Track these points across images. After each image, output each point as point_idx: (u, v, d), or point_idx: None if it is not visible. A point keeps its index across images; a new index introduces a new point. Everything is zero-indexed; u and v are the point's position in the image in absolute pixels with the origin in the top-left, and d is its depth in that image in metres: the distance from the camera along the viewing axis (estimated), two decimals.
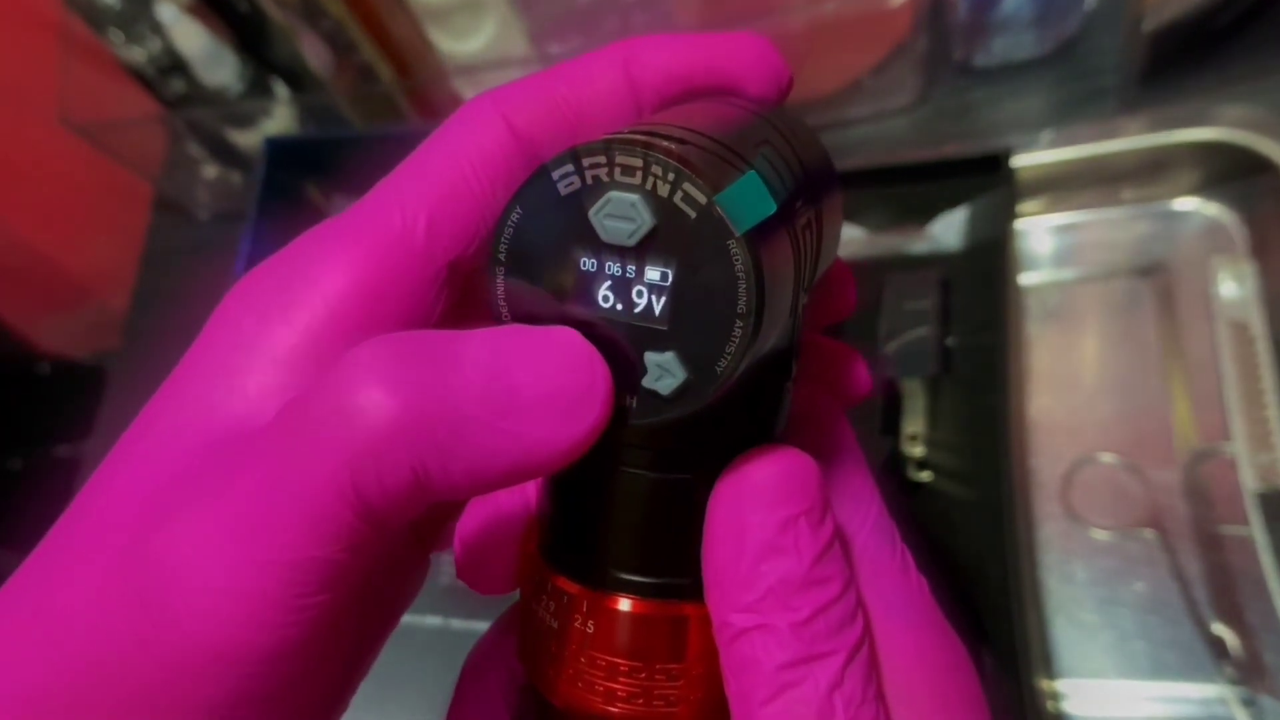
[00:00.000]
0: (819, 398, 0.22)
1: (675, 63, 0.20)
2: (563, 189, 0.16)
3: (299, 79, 0.67)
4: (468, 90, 0.63)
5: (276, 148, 0.65)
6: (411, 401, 0.15)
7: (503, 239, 0.17)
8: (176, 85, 0.67)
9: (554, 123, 0.19)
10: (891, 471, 0.51)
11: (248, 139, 0.70)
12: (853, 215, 0.57)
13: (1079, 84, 0.57)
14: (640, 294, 0.16)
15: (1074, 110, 0.56)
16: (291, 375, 0.17)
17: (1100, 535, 0.48)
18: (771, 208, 0.15)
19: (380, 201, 0.18)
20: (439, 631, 0.54)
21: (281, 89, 0.69)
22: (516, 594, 0.21)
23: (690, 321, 0.16)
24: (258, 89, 0.68)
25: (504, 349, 0.16)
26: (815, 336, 0.24)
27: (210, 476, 0.16)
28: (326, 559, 0.15)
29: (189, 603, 0.15)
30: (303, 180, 0.68)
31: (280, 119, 0.69)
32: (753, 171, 0.15)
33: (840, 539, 0.19)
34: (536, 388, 0.16)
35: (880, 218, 0.57)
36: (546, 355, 0.16)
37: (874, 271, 0.55)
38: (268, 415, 0.16)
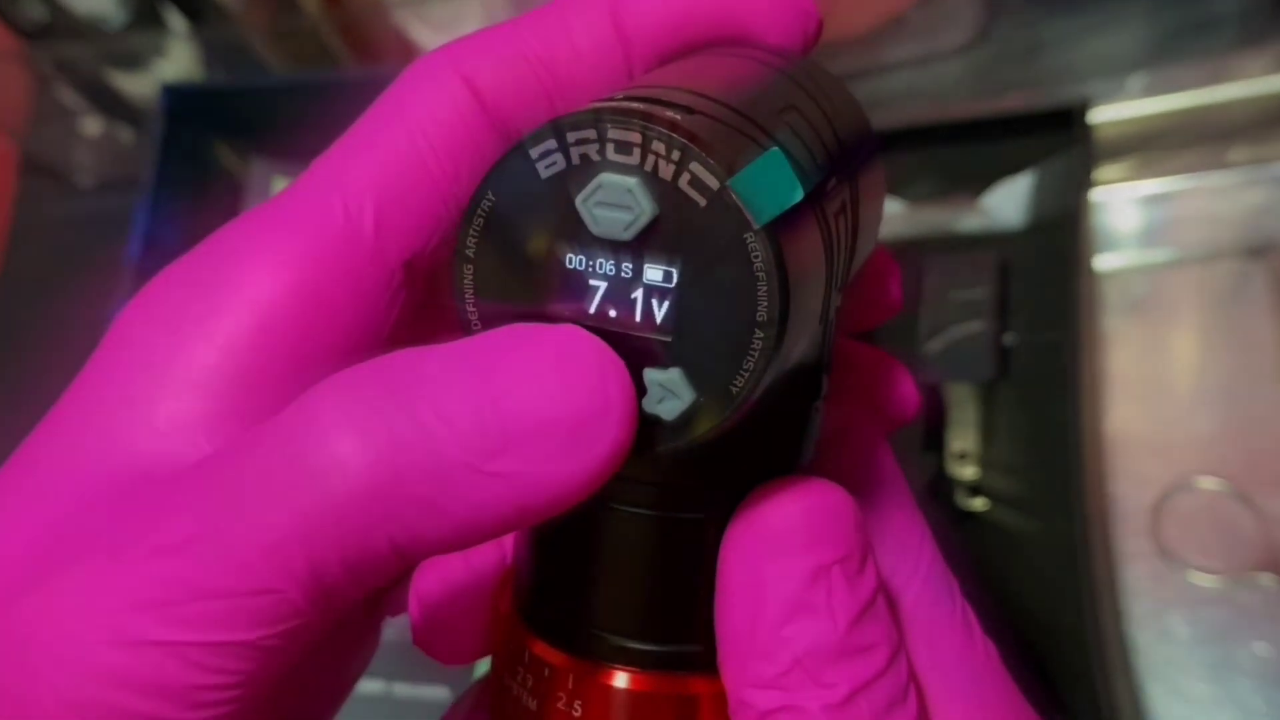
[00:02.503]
0: (855, 419, 0.22)
1: (674, 7, 0.20)
2: (544, 170, 0.16)
3: (198, 9, 0.66)
4: (414, 26, 0.62)
5: (176, 97, 0.62)
6: (385, 456, 0.15)
7: (471, 232, 0.16)
8: (34, 11, 0.64)
9: (527, 87, 0.19)
10: (936, 497, 0.51)
11: (138, 85, 0.68)
12: (890, 185, 0.56)
13: (1186, 10, 0.55)
14: (639, 298, 0.16)
15: (1175, 48, 0.55)
16: (212, 402, 0.17)
17: (1204, 581, 0.47)
18: (799, 193, 0.15)
19: (317, 186, 0.18)
20: (380, 700, 0.51)
21: (177, 21, 0.67)
22: (486, 662, 0.21)
23: (699, 332, 0.16)
24: (145, 20, 0.66)
25: (492, 367, 0.15)
26: (850, 344, 0.24)
27: (106, 529, 0.15)
28: (254, 644, 0.15)
29: (57, 689, 0.14)
30: (211, 138, 0.65)
31: (178, 60, 0.67)
32: (776, 148, 0.15)
33: (885, 594, 0.19)
34: (535, 413, 0.15)
35: (923, 187, 0.56)
36: (545, 367, 0.15)
37: (915, 254, 0.54)
38: (183, 453, 0.16)
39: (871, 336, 0.27)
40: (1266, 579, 0.45)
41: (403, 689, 0.51)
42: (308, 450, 0.15)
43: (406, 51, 0.60)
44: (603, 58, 0.19)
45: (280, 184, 0.61)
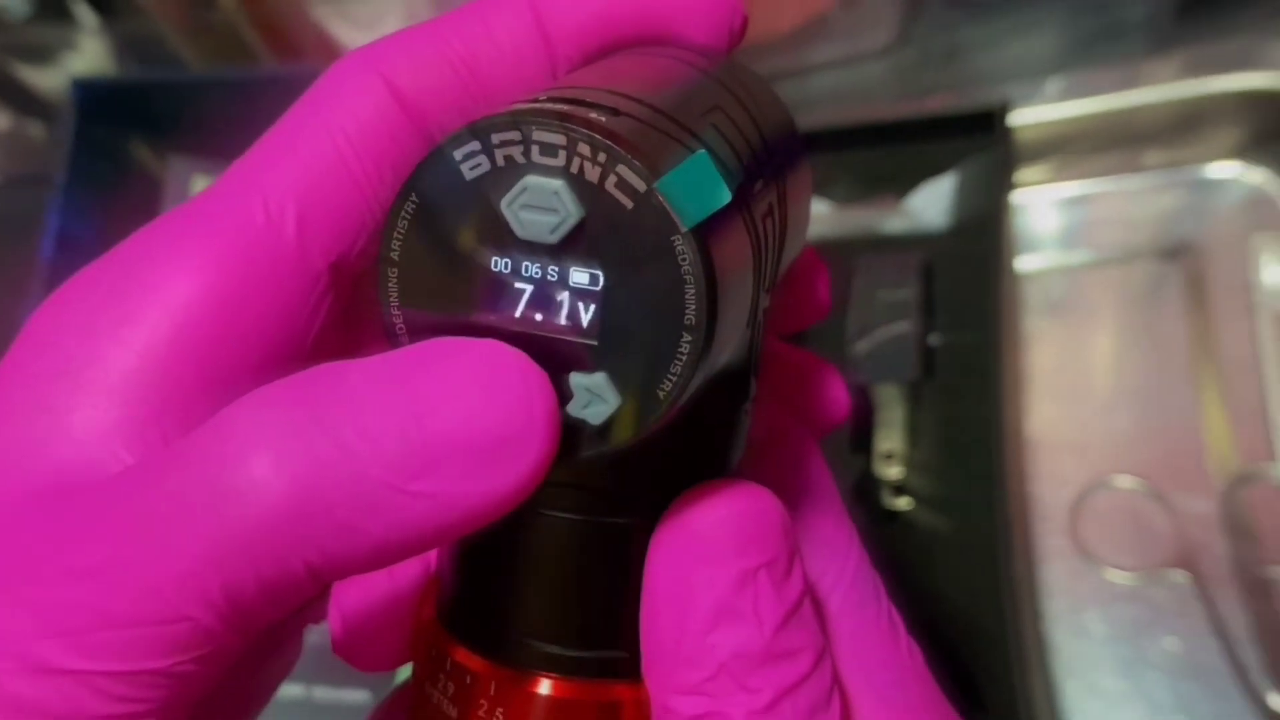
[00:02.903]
0: (783, 421, 0.22)
1: (596, 5, 0.20)
2: (467, 172, 0.16)
3: (108, 2, 0.64)
4: (334, 23, 0.61)
5: (88, 92, 0.60)
6: (303, 478, 0.14)
7: (395, 235, 0.16)
8: None
9: (449, 88, 0.19)
10: (862, 498, 0.51)
11: (47, 79, 0.67)
12: (816, 186, 0.55)
13: (1097, 17, 0.56)
14: (565, 301, 0.16)
15: (1089, 52, 0.56)
16: (130, 409, 0.16)
17: (1119, 578, 0.47)
18: (726, 196, 0.15)
19: (237, 188, 0.18)
20: (300, 704, 0.50)
21: (86, 13, 0.66)
22: (408, 667, 0.21)
23: (626, 335, 0.16)
24: (51, 12, 0.64)
25: (412, 384, 0.15)
26: (779, 346, 0.24)
27: (18, 546, 0.15)
28: (167, 672, 0.14)
29: None
30: (126, 134, 0.63)
31: (89, 54, 0.66)
32: (703, 151, 0.15)
33: (811, 598, 0.19)
34: (459, 432, 0.15)
35: (848, 189, 0.56)
36: (468, 385, 0.15)
37: (841, 255, 0.54)
38: (101, 462, 0.16)
39: (800, 337, 0.27)
40: (1178, 575, 0.46)
41: (323, 693, 0.50)
42: (223, 473, 0.14)
43: (326, 48, 0.59)
44: (526, 57, 0.19)
45: (200, 181, 0.60)
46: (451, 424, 0.15)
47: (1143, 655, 0.45)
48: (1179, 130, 0.52)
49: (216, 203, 0.18)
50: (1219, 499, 0.47)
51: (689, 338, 0.15)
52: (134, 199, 0.61)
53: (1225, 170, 0.53)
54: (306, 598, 0.15)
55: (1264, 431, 0.47)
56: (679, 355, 0.15)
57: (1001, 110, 0.51)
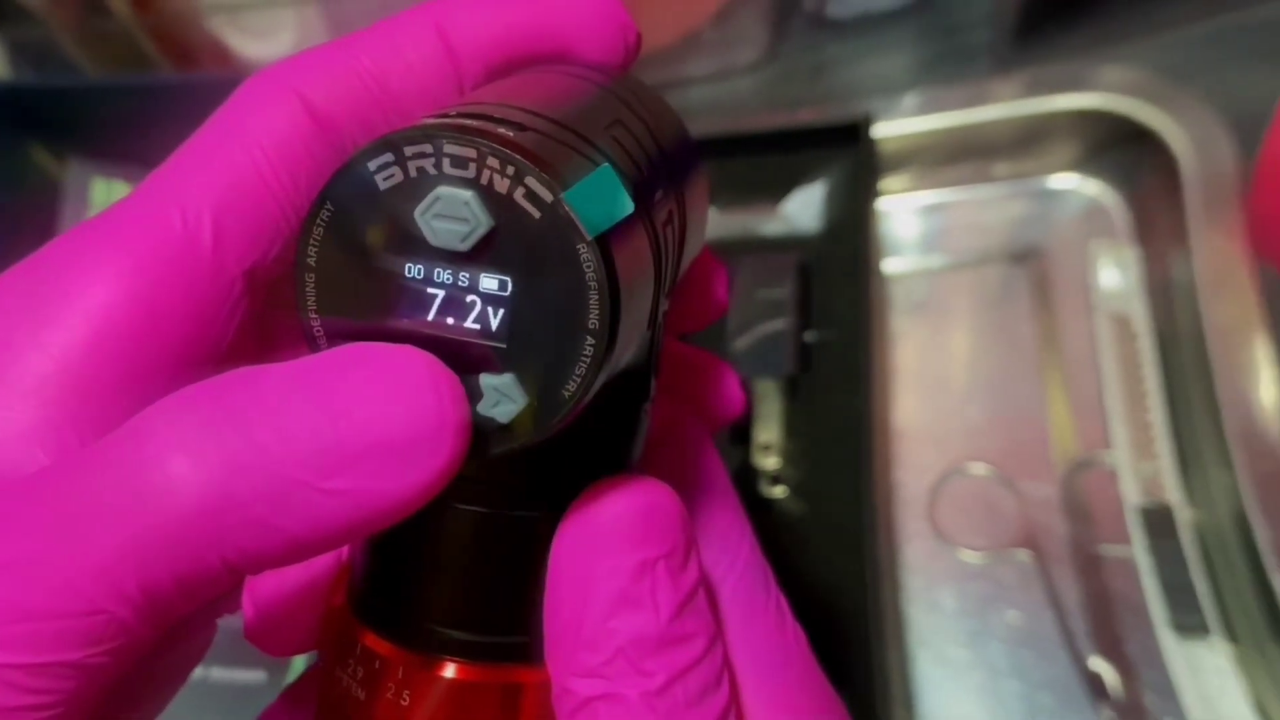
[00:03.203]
0: (682, 418, 0.22)
1: (498, 23, 0.20)
2: (381, 183, 0.16)
3: (0, 7, 0.61)
4: (229, 33, 0.59)
5: None
6: (219, 478, 0.14)
7: (310, 241, 0.16)
8: None
9: (360, 102, 0.19)
10: (741, 488, 0.50)
11: None
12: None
13: (945, 40, 0.58)
14: (475, 306, 0.16)
15: (941, 70, 0.57)
16: (47, 411, 0.16)
17: (970, 557, 0.48)
18: (629, 206, 0.15)
19: (154, 198, 0.18)
20: (196, 685, 0.49)
21: None
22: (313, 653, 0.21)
23: (532, 338, 0.16)
24: None
25: (328, 388, 0.15)
26: (677, 346, 0.24)
27: None
28: (79, 664, 0.14)
29: None
30: (24, 140, 0.61)
31: None
32: (607, 164, 0.15)
33: (706, 586, 0.19)
34: (373, 433, 0.15)
35: (727, 194, 0.57)
36: (382, 388, 0.15)
37: (722, 256, 0.53)
38: (18, 463, 0.16)
39: (689, 337, 0.29)
40: (1022, 554, 0.47)
41: (219, 673, 0.49)
42: (140, 471, 0.14)
43: (222, 58, 0.58)
44: (434, 73, 0.19)
45: (99, 185, 0.59)
46: (365, 425, 0.15)
47: (987, 627, 0.46)
48: (1023, 144, 0.54)
49: (133, 211, 0.18)
50: (1059, 484, 0.48)
51: (592, 341, 0.16)
52: (33, 202, 0.60)
53: (1065, 182, 0.55)
54: (222, 591, 0.15)
55: (1100, 422, 0.48)
56: (582, 358, 0.16)
57: (865, 122, 0.52)
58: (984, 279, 0.54)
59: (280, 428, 0.15)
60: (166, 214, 0.17)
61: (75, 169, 0.62)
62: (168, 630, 0.15)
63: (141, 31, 0.59)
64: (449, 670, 0.19)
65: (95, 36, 0.60)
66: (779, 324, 0.51)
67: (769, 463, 0.50)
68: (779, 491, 0.50)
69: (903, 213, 0.57)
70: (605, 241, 0.15)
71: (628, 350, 0.17)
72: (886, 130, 0.54)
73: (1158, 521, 0.45)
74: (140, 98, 0.58)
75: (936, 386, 0.53)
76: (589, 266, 0.15)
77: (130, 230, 0.17)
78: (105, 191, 0.59)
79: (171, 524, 0.14)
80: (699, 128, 0.54)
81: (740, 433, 0.51)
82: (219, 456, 0.14)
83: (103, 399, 0.17)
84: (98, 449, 0.15)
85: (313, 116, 0.18)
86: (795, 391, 0.51)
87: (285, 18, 0.54)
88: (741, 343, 0.51)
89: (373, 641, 0.19)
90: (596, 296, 0.15)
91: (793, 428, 0.51)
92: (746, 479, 0.51)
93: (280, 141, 0.18)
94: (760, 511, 0.50)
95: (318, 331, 0.17)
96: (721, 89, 0.60)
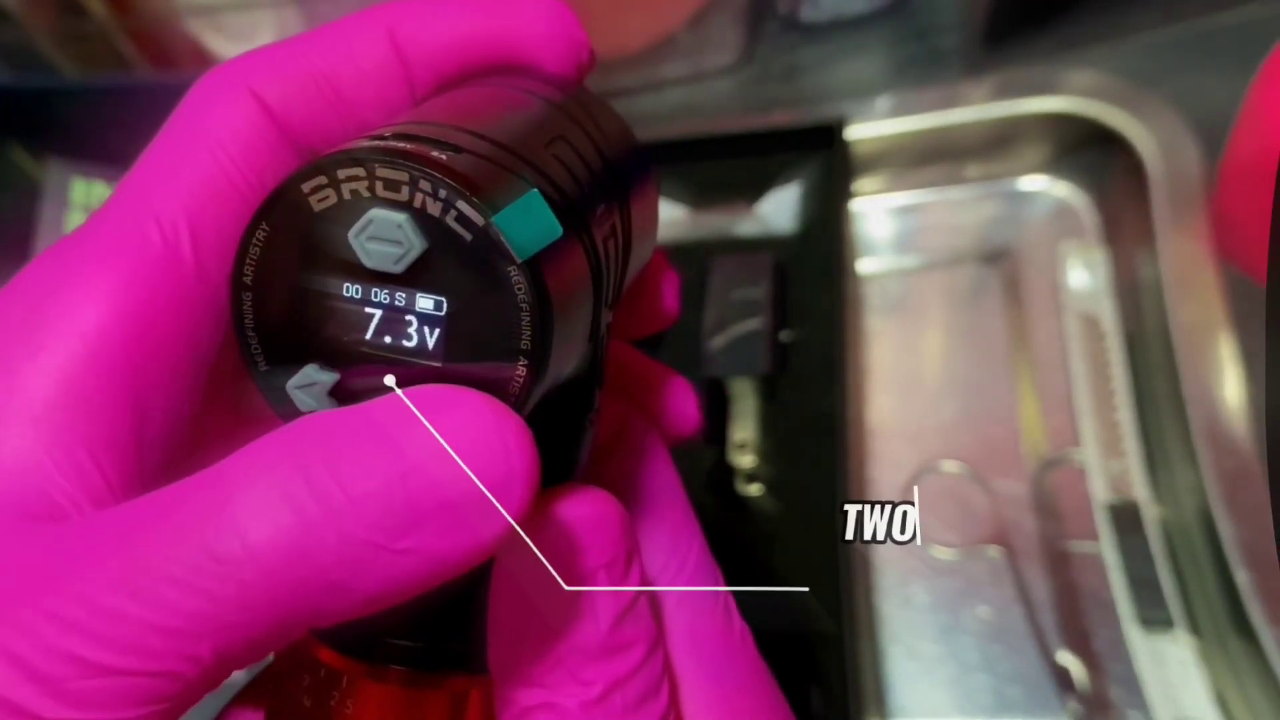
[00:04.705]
0: (633, 423, 0.22)
1: (450, 32, 0.20)
2: (315, 205, 0.16)
3: None
4: (208, 35, 0.59)
5: None
6: (296, 545, 0.14)
7: (247, 260, 0.16)
8: None
9: (313, 103, 0.19)
10: (717, 486, 0.51)
11: None
12: (674, 191, 0.57)
13: (917, 44, 0.58)
14: (412, 326, 0.16)
15: (912, 74, 0.57)
16: (58, 434, 0.16)
17: (943, 554, 0.49)
18: (558, 230, 0.15)
19: (128, 211, 0.18)
20: None
21: None
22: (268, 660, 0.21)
23: (468, 358, 0.16)
24: None
25: (400, 442, 0.15)
26: (637, 359, 0.24)
27: None
28: (140, 718, 0.14)
29: None
30: (5, 140, 0.63)
31: None
32: (534, 190, 0.15)
33: (649, 586, 0.19)
34: (444, 489, 0.15)
35: (703, 195, 0.57)
36: (451, 441, 0.15)
37: (698, 255, 0.54)
38: (42, 490, 0.16)
39: (661, 336, 0.29)
40: (993, 550, 0.48)
41: None
42: (218, 537, 0.14)
43: (201, 59, 0.58)
44: (385, 78, 0.19)
45: (79, 185, 0.59)
46: (434, 482, 0.15)
47: (959, 622, 0.47)
48: (994, 146, 0.54)
49: (111, 228, 0.18)
50: (1029, 481, 0.49)
51: (525, 361, 0.16)
52: (12, 202, 0.60)
53: (1035, 183, 0.55)
54: (285, 645, 0.15)
55: (1070, 420, 0.49)
56: (516, 378, 0.16)
57: (839, 125, 0.52)
58: (956, 279, 0.55)
59: (351, 488, 0.14)
60: (143, 228, 0.17)
61: (54, 169, 0.62)
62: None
63: (120, 33, 0.59)
64: (394, 678, 0.19)
65: (72, 37, 0.60)
66: (754, 323, 0.51)
67: (745, 461, 0.50)
68: (755, 489, 0.50)
69: (876, 214, 0.57)
70: (536, 264, 0.15)
71: (565, 367, 0.17)
72: (860, 132, 0.54)
73: (1125, 518, 0.46)
74: (119, 99, 0.58)
75: (910, 385, 0.53)
76: (520, 289, 0.15)
77: (111, 248, 0.17)
78: (84, 191, 0.60)
79: (248, 590, 0.14)
80: (674, 130, 0.56)
81: (716, 431, 0.51)
82: (295, 521, 0.14)
83: (103, 417, 0.17)
84: (169, 500, 0.15)
85: (270, 116, 0.18)
86: (771, 390, 0.51)
87: (264, 19, 0.54)
88: (717, 342, 0.51)
89: (319, 651, 0.19)
90: (528, 318, 0.16)
91: (768, 426, 0.51)
92: (722, 477, 0.51)
93: (244, 144, 0.18)
94: (736, 509, 0.50)
95: (255, 349, 0.17)
96: (697, 91, 0.60)
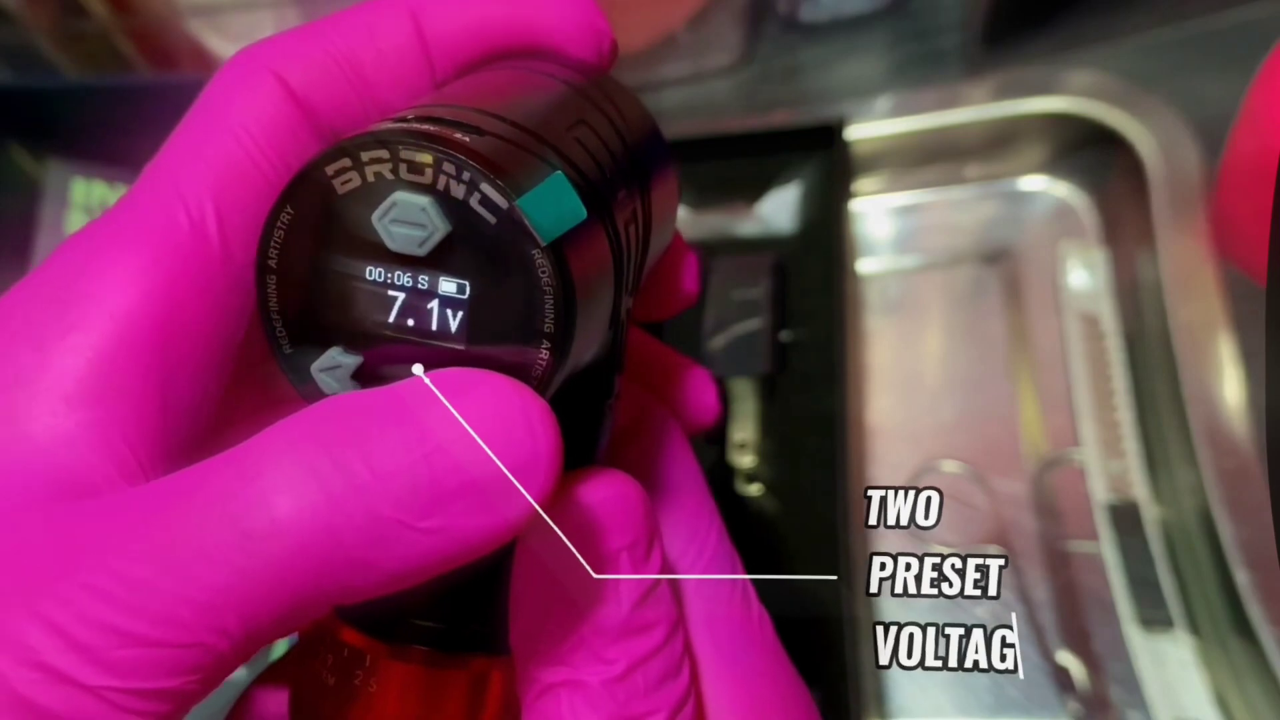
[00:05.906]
0: (653, 409, 0.22)
1: (473, 18, 0.20)
2: (339, 187, 0.16)
3: None
4: (208, 36, 0.59)
5: None
6: (322, 521, 0.14)
7: (271, 244, 0.16)
8: None
9: (336, 86, 0.19)
10: (717, 486, 0.50)
11: None
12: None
13: (917, 44, 0.58)
14: (435, 309, 0.16)
15: (912, 74, 0.57)
16: (91, 413, 0.16)
17: (943, 552, 0.48)
18: (582, 213, 0.15)
19: (156, 194, 0.18)
20: None
21: None
22: (283, 644, 0.21)
23: (491, 340, 0.16)
24: None
25: (424, 422, 0.15)
26: (658, 348, 0.24)
27: (14, 553, 0.15)
28: (175, 691, 0.14)
29: None
30: (5, 140, 0.61)
31: None
32: (559, 172, 0.15)
33: (670, 570, 0.19)
34: (466, 470, 0.15)
35: (703, 195, 0.57)
36: (475, 422, 0.15)
37: (699, 256, 0.53)
38: (80, 470, 0.16)
39: (659, 334, 0.28)
40: (993, 549, 0.47)
41: None
42: (246, 514, 0.14)
43: (201, 60, 0.58)
44: (408, 62, 0.20)
45: (79, 185, 0.59)
46: (459, 463, 0.15)
47: (955, 619, 0.47)
48: (993, 146, 0.54)
49: (138, 210, 0.18)
50: (1029, 481, 0.49)
51: (548, 345, 0.16)
52: (12, 202, 0.60)
53: (1035, 184, 0.55)
54: (311, 621, 0.16)
55: (1069, 420, 0.49)
56: (539, 360, 0.16)
57: (839, 125, 0.52)
58: (956, 279, 0.55)
59: (377, 467, 0.15)
60: (171, 211, 0.18)
61: (54, 169, 0.62)
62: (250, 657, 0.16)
63: (120, 33, 0.59)
64: (416, 657, 0.19)
65: (73, 37, 0.60)
66: (754, 323, 0.52)
67: (744, 461, 0.50)
68: (754, 489, 0.50)
69: (876, 214, 0.57)
70: (559, 247, 0.15)
71: (587, 351, 0.17)
72: (860, 133, 0.54)
73: (1125, 518, 0.46)
74: (119, 99, 0.58)
75: (910, 385, 0.53)
76: (544, 272, 0.16)
77: (138, 229, 0.18)
78: (85, 191, 0.60)
79: (275, 566, 0.14)
80: (675, 130, 0.55)
81: (716, 431, 0.51)
82: (321, 498, 0.15)
83: (133, 395, 0.17)
84: (198, 477, 0.15)
85: (293, 99, 0.19)
86: (771, 390, 0.51)
87: (264, 20, 0.54)
88: (717, 342, 0.51)
89: (343, 631, 0.19)
90: (551, 301, 0.16)
91: (768, 426, 0.51)
92: (722, 477, 0.51)
93: (267, 126, 0.18)
94: (736, 509, 0.50)
95: (280, 332, 0.17)
96: (697, 92, 0.60)
